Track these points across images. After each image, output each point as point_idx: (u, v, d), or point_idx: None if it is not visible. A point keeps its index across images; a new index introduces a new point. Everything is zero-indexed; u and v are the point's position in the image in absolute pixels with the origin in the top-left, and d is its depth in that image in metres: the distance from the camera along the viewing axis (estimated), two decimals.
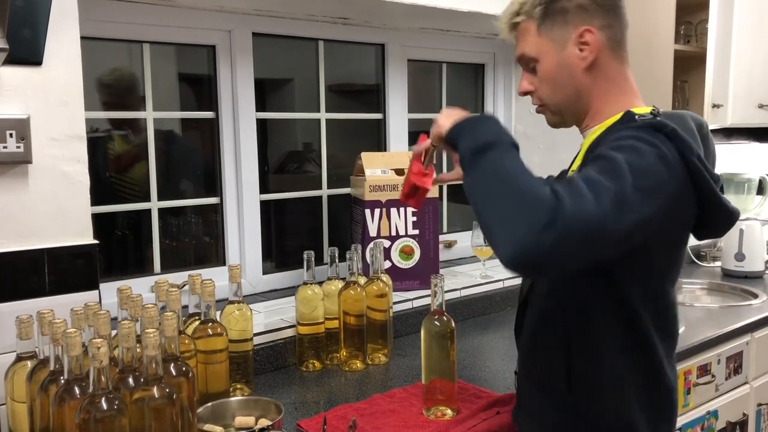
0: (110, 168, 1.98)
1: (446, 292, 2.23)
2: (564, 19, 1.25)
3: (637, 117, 1.19)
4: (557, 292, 1.28)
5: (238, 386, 1.65)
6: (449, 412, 1.52)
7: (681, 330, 1.41)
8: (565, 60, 1.26)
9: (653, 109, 1.23)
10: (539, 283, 1.34)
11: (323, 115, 2.38)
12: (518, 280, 2.40)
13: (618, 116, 1.25)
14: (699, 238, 1.28)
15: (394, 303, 2.04)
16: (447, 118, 1.24)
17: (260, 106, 2.18)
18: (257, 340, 1.77)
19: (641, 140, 1.11)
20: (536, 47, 1.28)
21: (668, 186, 1.10)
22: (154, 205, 2.02)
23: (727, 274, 2.93)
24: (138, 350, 1.26)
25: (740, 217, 3.00)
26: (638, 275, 1.21)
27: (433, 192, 2.22)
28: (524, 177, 1.04)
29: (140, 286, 1.87)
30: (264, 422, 1.40)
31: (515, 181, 1.03)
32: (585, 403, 1.27)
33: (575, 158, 1.37)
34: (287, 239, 2.43)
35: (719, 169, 3.18)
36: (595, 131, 1.29)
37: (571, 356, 1.26)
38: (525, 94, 1.34)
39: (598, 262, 1.08)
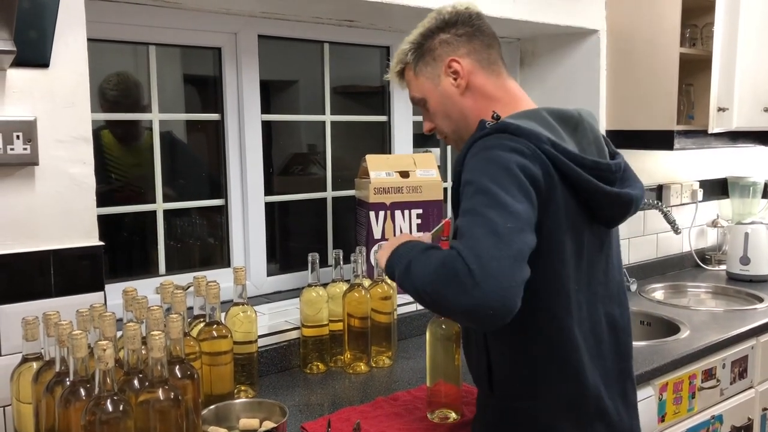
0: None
1: None
2: (432, 57, 1.38)
3: (486, 124, 1.26)
4: None
5: (243, 388, 1.65)
6: (453, 415, 1.52)
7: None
8: (444, 92, 1.38)
9: (494, 113, 1.29)
10: None
11: (328, 117, 2.38)
12: None
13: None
14: (607, 227, 1.33)
15: (399, 305, 2.04)
16: (385, 251, 1.35)
17: (265, 108, 2.18)
18: (262, 342, 1.77)
19: (489, 157, 1.18)
20: (419, 89, 1.42)
21: (530, 177, 1.16)
22: (159, 206, 2.02)
23: (732, 278, 2.92)
24: (143, 352, 1.26)
25: (744, 221, 3.02)
26: (542, 272, 1.21)
27: (437, 195, 2.22)
28: (431, 274, 1.13)
29: (145, 288, 1.88)
30: (268, 424, 1.40)
31: (430, 281, 1.13)
32: (506, 402, 1.31)
33: None
34: (292, 241, 2.44)
35: (723, 173, 3.16)
36: None
37: (490, 356, 1.31)
38: (430, 131, 1.48)
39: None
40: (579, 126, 1.31)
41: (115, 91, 1.96)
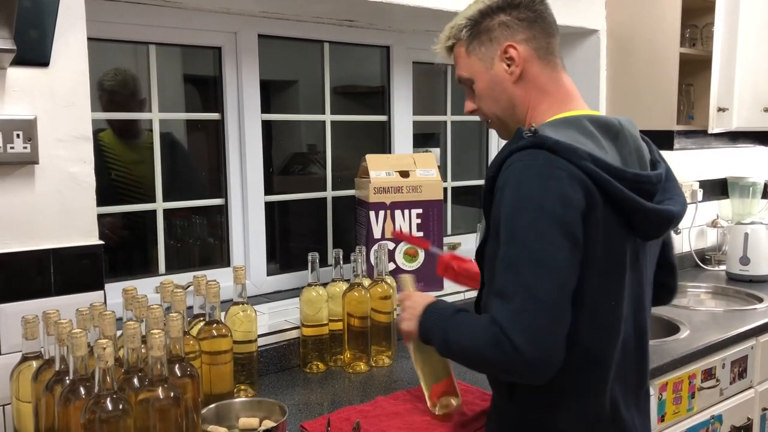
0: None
1: (450, 294, 2.24)
2: (489, 38, 1.32)
3: (524, 133, 1.21)
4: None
5: (243, 387, 1.65)
6: (453, 401, 1.52)
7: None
8: (495, 76, 1.33)
9: (531, 126, 1.24)
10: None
11: (328, 117, 2.38)
12: None
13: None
14: (643, 240, 1.29)
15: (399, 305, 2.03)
16: (409, 321, 1.39)
17: (265, 107, 2.18)
18: (261, 341, 1.77)
19: (527, 193, 1.16)
20: (468, 68, 1.36)
21: (569, 205, 1.14)
22: (159, 206, 2.02)
23: (732, 278, 2.92)
24: (143, 351, 1.26)
25: (744, 221, 3.02)
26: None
27: (437, 195, 2.22)
28: (475, 349, 1.19)
29: (145, 287, 1.88)
30: (268, 424, 1.40)
31: (474, 356, 1.21)
32: (525, 412, 1.29)
33: None
34: (292, 241, 2.44)
35: (723, 173, 3.15)
36: None
37: None
38: (471, 112, 1.41)
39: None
40: (620, 134, 1.27)
41: (112, 82, 1.96)
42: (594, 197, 1.17)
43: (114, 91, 1.97)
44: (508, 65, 1.31)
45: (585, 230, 1.16)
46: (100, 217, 1.61)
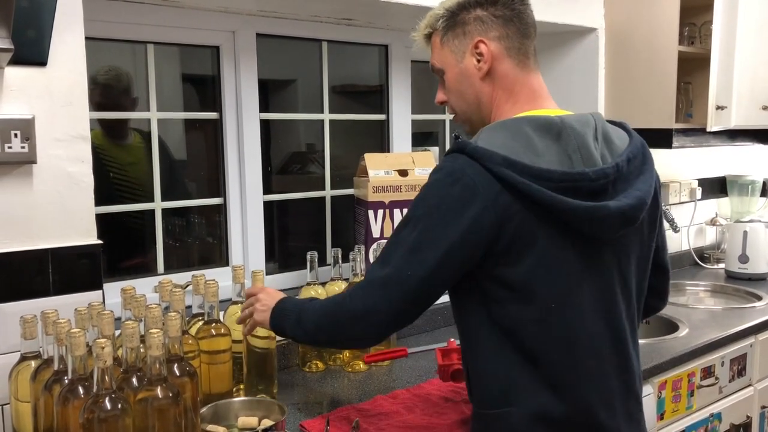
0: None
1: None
2: (463, 31, 1.32)
3: (454, 139, 1.28)
4: (453, 303, 1.34)
5: (242, 387, 1.65)
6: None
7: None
8: (464, 70, 1.33)
9: (454, 134, 1.35)
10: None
11: (327, 116, 2.38)
12: None
13: None
14: (594, 240, 1.24)
15: None
16: (263, 312, 1.47)
17: (264, 106, 2.18)
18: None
19: (432, 183, 1.23)
20: (441, 59, 1.37)
21: (461, 217, 1.17)
22: (158, 205, 2.02)
23: (731, 276, 2.92)
24: (142, 350, 1.26)
25: (743, 219, 3.02)
26: (503, 293, 1.21)
27: None
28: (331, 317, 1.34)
29: (144, 287, 1.87)
30: (267, 423, 1.40)
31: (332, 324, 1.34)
32: (482, 409, 1.29)
33: None
34: (290, 240, 2.43)
35: (722, 171, 3.15)
36: None
37: (466, 361, 1.33)
38: (441, 103, 1.43)
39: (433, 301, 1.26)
40: (562, 133, 1.23)
41: (105, 76, 1.95)
42: (510, 204, 1.16)
43: (108, 85, 1.96)
44: (478, 60, 1.31)
45: (497, 238, 1.17)
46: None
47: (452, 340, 1.62)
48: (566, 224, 1.19)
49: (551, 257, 1.20)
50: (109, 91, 1.97)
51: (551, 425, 1.23)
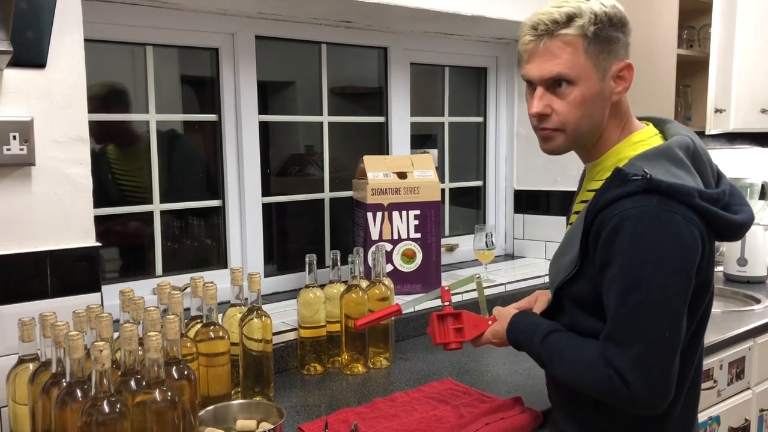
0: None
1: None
2: (609, 48, 1.23)
3: (629, 176, 1.18)
4: (573, 327, 1.33)
5: (239, 390, 1.65)
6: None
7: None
8: (603, 90, 1.24)
9: (645, 172, 1.17)
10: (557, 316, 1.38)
11: (325, 118, 2.38)
12: (520, 284, 2.41)
13: (609, 171, 1.25)
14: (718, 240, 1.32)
15: None
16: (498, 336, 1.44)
17: (263, 108, 2.18)
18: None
19: (641, 235, 1.16)
20: (578, 68, 1.21)
21: (688, 260, 1.17)
22: (157, 207, 2.02)
23: (730, 279, 2.92)
24: (140, 353, 1.26)
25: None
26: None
27: (435, 196, 2.22)
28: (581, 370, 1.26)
29: (142, 289, 1.87)
30: (265, 426, 1.40)
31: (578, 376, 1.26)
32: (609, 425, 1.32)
33: (580, 188, 1.43)
34: (289, 242, 2.43)
35: None
36: (597, 167, 1.33)
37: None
38: (541, 115, 1.26)
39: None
40: (695, 153, 1.26)
41: (103, 91, 1.95)
42: (705, 232, 1.20)
43: (101, 97, 1.95)
44: (616, 83, 1.25)
45: (700, 264, 1.20)
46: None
47: (447, 292, 1.58)
48: (718, 237, 1.26)
49: (713, 274, 1.28)
50: (104, 99, 1.96)
51: None
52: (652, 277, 1.15)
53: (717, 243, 3.28)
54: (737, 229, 1.27)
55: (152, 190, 2.00)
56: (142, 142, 2.03)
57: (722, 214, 1.21)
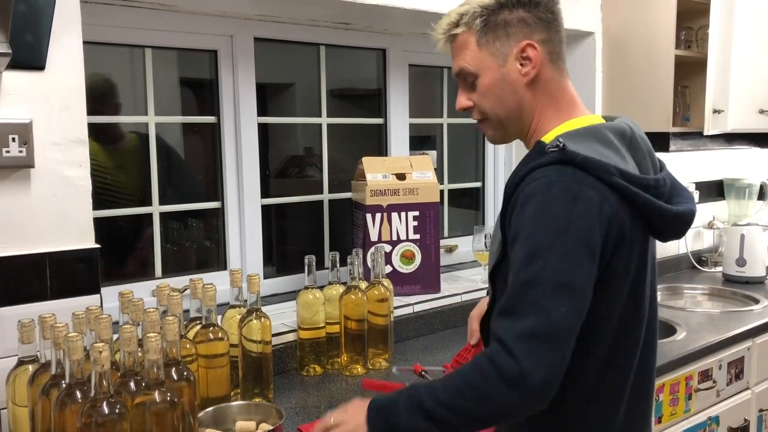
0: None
1: (448, 297, 2.24)
2: (505, 33, 1.23)
3: (547, 148, 1.15)
4: None
5: (238, 391, 1.65)
6: None
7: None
8: (507, 75, 1.24)
9: (559, 141, 1.15)
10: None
11: (324, 120, 2.38)
12: None
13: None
14: (662, 241, 1.29)
15: (395, 308, 2.04)
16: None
17: (262, 110, 2.18)
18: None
19: (550, 212, 1.10)
20: (476, 62, 1.25)
21: (594, 234, 1.10)
22: (156, 209, 2.02)
23: (729, 280, 2.93)
24: (139, 354, 1.26)
25: (740, 222, 3.03)
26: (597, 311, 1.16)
27: (434, 197, 2.22)
28: (462, 393, 1.10)
29: (141, 291, 1.87)
30: (265, 427, 1.40)
31: (463, 401, 1.09)
32: None
33: None
34: (288, 244, 2.43)
35: (719, 175, 3.16)
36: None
37: None
38: (465, 109, 1.31)
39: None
40: (632, 140, 1.23)
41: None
42: (624, 213, 1.14)
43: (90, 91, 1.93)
44: (522, 65, 1.22)
45: (616, 250, 1.13)
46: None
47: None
48: (651, 228, 1.21)
49: (642, 265, 1.21)
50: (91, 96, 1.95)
51: None
52: (554, 247, 1.08)
53: (715, 243, 3.29)
54: (672, 220, 1.21)
55: (152, 192, 2.00)
56: (124, 142, 2.02)
57: (651, 199, 1.16)
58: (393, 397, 1.16)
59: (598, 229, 1.10)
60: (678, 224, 1.24)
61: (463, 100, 1.31)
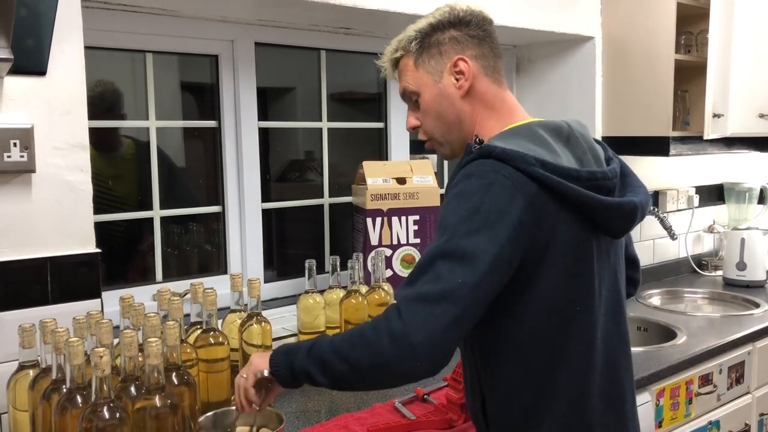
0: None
1: None
2: (438, 51, 1.31)
3: (473, 147, 1.21)
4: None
5: None
6: None
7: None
8: (443, 90, 1.31)
9: (476, 137, 1.25)
10: None
11: (325, 124, 2.39)
12: None
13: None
14: (614, 238, 1.28)
15: None
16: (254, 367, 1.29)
17: (262, 114, 2.18)
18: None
19: (463, 193, 1.15)
20: (415, 81, 1.34)
21: (504, 216, 1.12)
22: (156, 213, 2.02)
23: (729, 284, 2.93)
24: (140, 359, 1.26)
25: (740, 226, 3.03)
26: (537, 301, 1.19)
27: (434, 201, 2.22)
28: (358, 348, 1.14)
29: (142, 295, 1.88)
30: (265, 431, 1.40)
31: (358, 355, 1.13)
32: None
33: None
34: (289, 248, 2.44)
35: (719, 179, 3.16)
36: None
37: (483, 391, 1.27)
38: (413, 128, 1.39)
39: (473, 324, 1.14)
40: (570, 136, 1.25)
41: (90, 93, 1.94)
42: (544, 204, 1.15)
43: (96, 100, 1.93)
44: (457, 79, 1.30)
45: (534, 239, 1.14)
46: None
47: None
48: (592, 223, 1.21)
49: (582, 259, 1.21)
50: (92, 105, 1.95)
51: None
52: (461, 225, 1.12)
53: (715, 247, 3.29)
54: (609, 212, 1.21)
55: (152, 197, 2.01)
56: (122, 149, 2.03)
57: (580, 190, 1.16)
58: (301, 342, 1.27)
59: (510, 213, 1.13)
60: (616, 216, 1.23)
61: (411, 120, 1.39)
